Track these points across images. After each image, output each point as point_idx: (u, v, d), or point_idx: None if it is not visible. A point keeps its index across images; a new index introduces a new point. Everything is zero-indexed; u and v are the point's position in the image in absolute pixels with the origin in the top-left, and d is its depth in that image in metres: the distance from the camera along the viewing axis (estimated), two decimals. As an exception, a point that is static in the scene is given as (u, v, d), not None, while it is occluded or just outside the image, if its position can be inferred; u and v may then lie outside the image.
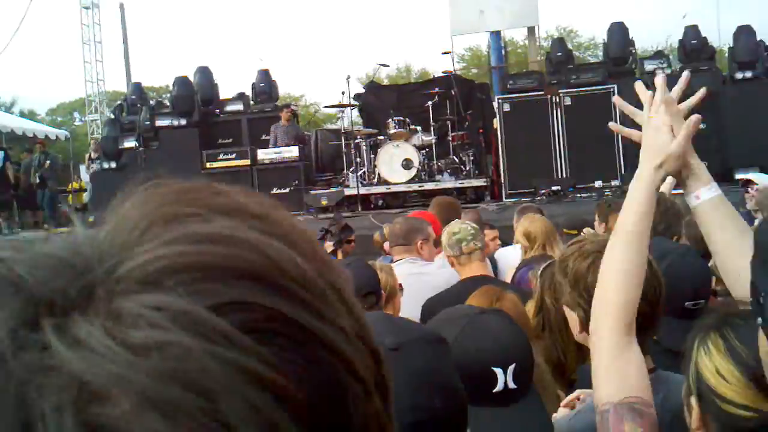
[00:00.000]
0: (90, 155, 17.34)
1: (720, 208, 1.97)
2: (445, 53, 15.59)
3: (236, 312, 0.39)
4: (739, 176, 9.90)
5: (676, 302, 2.59)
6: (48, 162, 16.45)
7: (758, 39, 14.20)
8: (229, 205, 0.44)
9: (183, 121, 15.12)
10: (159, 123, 15.13)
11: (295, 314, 0.41)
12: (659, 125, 1.95)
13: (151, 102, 17.65)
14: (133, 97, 17.27)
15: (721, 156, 12.08)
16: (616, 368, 1.74)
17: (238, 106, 16.11)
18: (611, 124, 2.37)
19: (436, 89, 14.29)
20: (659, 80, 2.04)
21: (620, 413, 1.68)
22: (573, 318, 2.15)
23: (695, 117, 1.94)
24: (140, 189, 0.45)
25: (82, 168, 17.84)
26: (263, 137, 14.73)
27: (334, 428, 0.41)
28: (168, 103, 16.58)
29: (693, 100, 2.03)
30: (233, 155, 14.16)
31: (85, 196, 17.52)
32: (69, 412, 0.35)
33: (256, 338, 0.39)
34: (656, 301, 2.07)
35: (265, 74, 16.60)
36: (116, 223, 0.43)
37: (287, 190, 13.63)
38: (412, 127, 13.50)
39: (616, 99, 2.30)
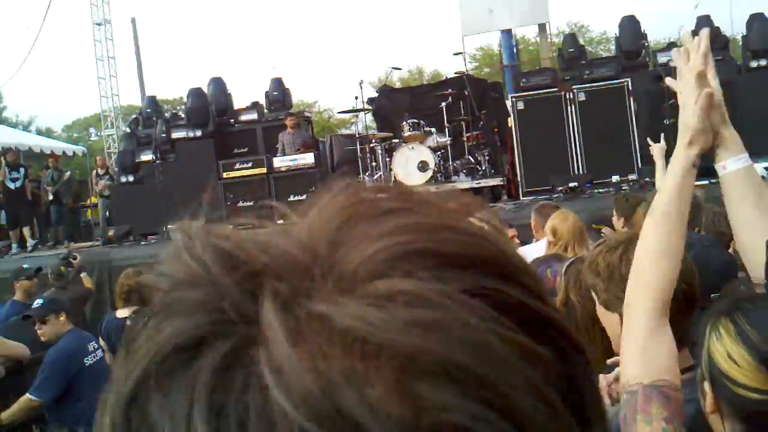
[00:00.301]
0: (96, 171, 17.43)
1: (745, 181, 1.94)
2: (457, 54, 15.62)
3: (482, 297, 0.40)
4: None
5: (702, 294, 2.58)
6: (67, 174, 16.60)
7: (772, 27, 14.10)
8: (428, 199, 0.45)
9: (198, 133, 15.21)
10: (175, 135, 15.22)
11: (528, 300, 0.42)
12: (685, 102, 1.93)
13: (166, 114, 17.73)
14: (149, 110, 17.39)
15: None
16: (649, 349, 1.74)
17: (253, 115, 16.17)
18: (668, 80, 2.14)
19: (450, 90, 14.26)
20: (704, 33, 1.97)
21: (649, 395, 1.69)
22: (613, 319, 2.11)
23: (705, 90, 1.90)
24: (338, 186, 0.46)
25: (100, 183, 17.88)
26: (278, 145, 14.79)
27: (576, 406, 0.42)
28: (183, 115, 16.69)
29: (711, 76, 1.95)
30: (249, 164, 14.20)
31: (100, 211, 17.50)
32: (391, 379, 0.35)
33: None
34: (695, 284, 2.07)
35: (278, 82, 16.68)
36: (326, 218, 0.44)
37: (305, 196, 13.65)
38: (427, 128, 13.50)
39: (669, 81, 2.11)
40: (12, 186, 15.39)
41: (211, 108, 15.81)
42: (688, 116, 1.91)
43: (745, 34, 14.39)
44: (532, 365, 0.39)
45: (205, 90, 16.27)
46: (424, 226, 0.42)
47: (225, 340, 0.37)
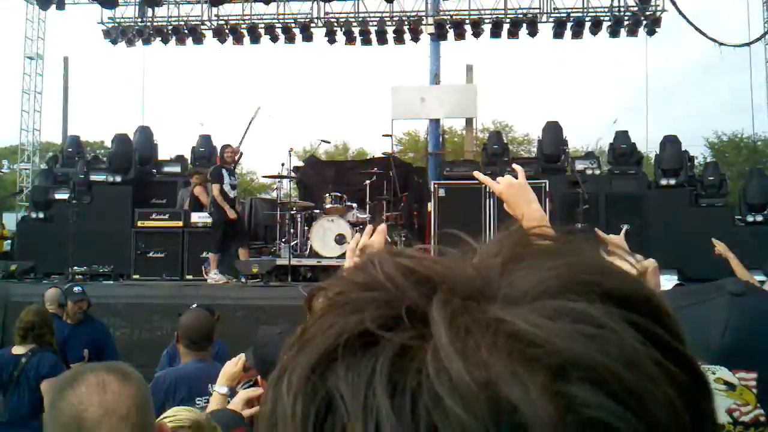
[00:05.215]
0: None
1: None
2: (386, 135, 15.90)
3: (635, 328, 0.44)
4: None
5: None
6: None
7: (683, 149, 14.95)
8: (581, 245, 0.50)
9: (118, 178, 15.00)
10: (94, 177, 14.98)
11: (671, 341, 0.45)
12: None
13: (88, 156, 17.43)
14: (70, 149, 17.06)
15: (642, 255, 12.48)
16: None
17: (176, 168, 16.08)
18: (476, 173, 2.67)
19: (375, 169, 14.45)
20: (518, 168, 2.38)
21: None
22: None
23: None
24: (503, 231, 0.52)
25: (7, 216, 17.31)
26: (179, 199, 14.70)
27: (699, 427, 0.46)
28: (104, 159, 16.44)
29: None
30: (166, 216, 14.03)
31: (6, 245, 16.78)
32: (537, 382, 0.39)
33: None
34: None
35: (206, 139, 16.67)
36: (495, 252, 0.49)
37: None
38: (348, 203, 13.62)
39: (476, 173, 2.64)
40: (232, 194, 12.82)
41: (134, 155, 15.65)
42: None
43: (658, 153, 15.19)
44: (673, 386, 0.43)
45: (131, 137, 16.14)
46: (588, 264, 0.46)
47: (402, 333, 0.42)
